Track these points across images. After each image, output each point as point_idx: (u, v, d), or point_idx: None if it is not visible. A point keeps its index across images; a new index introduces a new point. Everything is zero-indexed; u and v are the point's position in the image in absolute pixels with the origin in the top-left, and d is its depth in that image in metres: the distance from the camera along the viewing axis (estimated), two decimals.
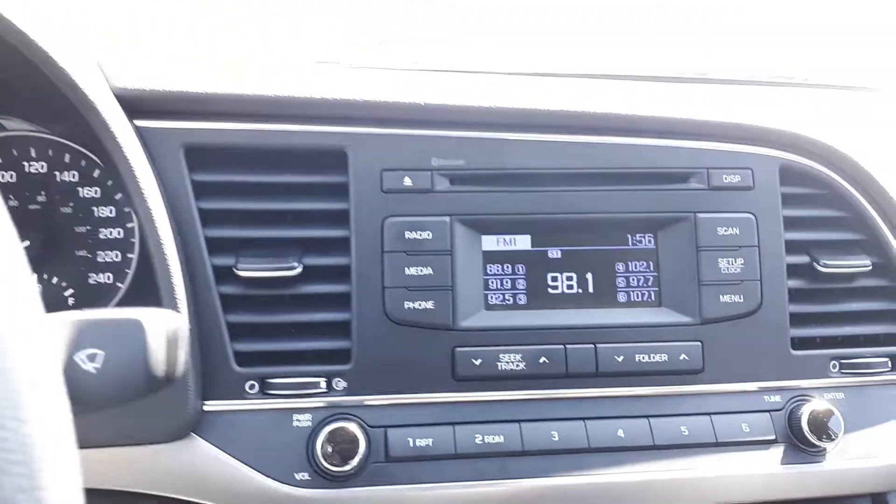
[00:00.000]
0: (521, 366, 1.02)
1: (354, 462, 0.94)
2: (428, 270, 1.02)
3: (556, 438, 1.01)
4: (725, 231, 1.08)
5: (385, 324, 1.01)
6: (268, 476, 0.95)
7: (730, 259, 1.08)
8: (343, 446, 0.95)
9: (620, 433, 1.02)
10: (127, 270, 1.02)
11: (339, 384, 1.00)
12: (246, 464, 0.96)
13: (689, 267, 1.07)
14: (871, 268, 1.12)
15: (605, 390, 1.05)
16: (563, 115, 1.08)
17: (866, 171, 1.13)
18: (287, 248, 1.02)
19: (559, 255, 1.08)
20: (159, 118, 1.00)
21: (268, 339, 1.01)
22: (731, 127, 1.11)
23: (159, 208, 0.93)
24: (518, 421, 1.01)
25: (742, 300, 1.08)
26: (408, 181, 1.03)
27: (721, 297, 1.07)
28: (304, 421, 0.98)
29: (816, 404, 1.04)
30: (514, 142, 1.07)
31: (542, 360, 1.03)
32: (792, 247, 1.11)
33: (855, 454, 1.06)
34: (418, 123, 1.04)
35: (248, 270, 0.99)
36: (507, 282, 1.06)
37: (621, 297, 1.08)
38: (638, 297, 1.08)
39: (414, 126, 1.04)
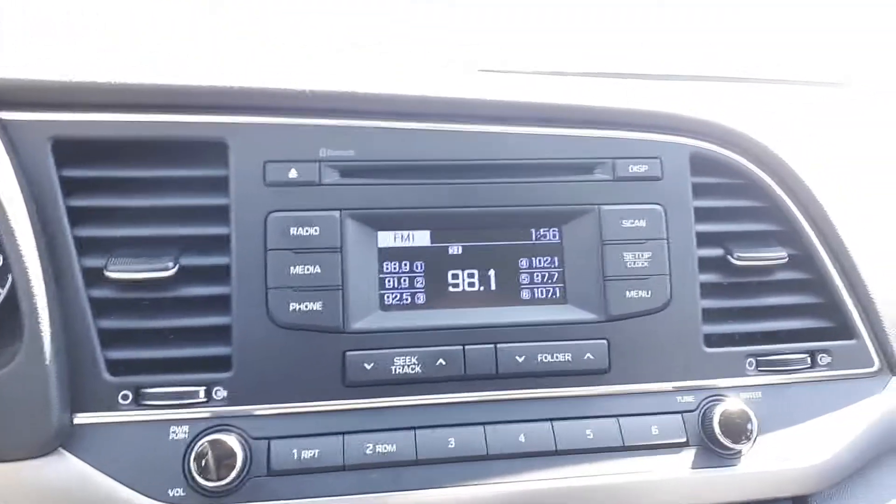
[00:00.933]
0: (417, 369, 0.97)
1: (231, 476, 0.87)
2: (315, 269, 0.96)
3: (453, 446, 0.95)
4: (631, 224, 1.03)
5: (269, 327, 0.94)
6: (140, 493, 0.88)
7: (636, 253, 1.03)
8: (220, 460, 0.88)
9: (522, 438, 0.96)
10: None
11: (220, 393, 0.94)
12: (117, 480, 0.89)
13: (594, 262, 1.02)
14: (787, 260, 1.08)
15: (505, 393, 0.99)
16: (462, 104, 1.03)
17: (782, 160, 1.09)
18: (165, 248, 0.95)
19: (460, 251, 1.02)
20: (25, 109, 0.94)
21: (143, 347, 0.94)
22: (637, 114, 1.06)
23: (21, 218, 0.86)
24: (413, 428, 0.96)
25: (650, 295, 1.03)
26: (293, 173, 0.97)
27: (627, 292, 1.02)
28: (180, 433, 0.91)
29: (729, 404, 0.99)
30: (409, 131, 1.01)
31: (440, 362, 0.97)
32: (704, 239, 1.07)
33: (772, 456, 1.01)
34: (304, 112, 0.98)
35: (119, 272, 0.92)
36: (404, 280, 1.00)
37: (525, 295, 1.02)
38: (542, 294, 1.03)
39: (299, 115, 0.98)
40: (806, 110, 1.29)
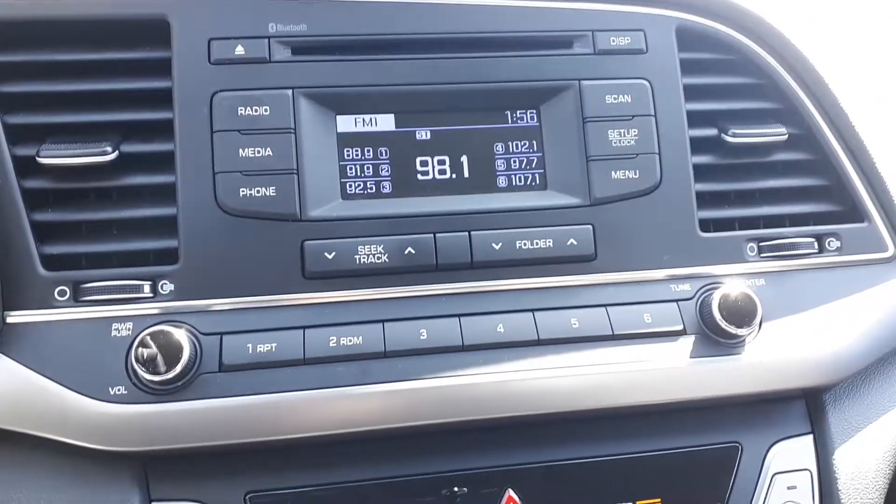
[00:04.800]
0: (384, 259, 0.88)
1: (177, 371, 0.79)
2: (266, 152, 0.88)
3: (425, 337, 0.86)
4: (615, 99, 0.95)
5: (218, 216, 0.86)
6: (78, 392, 0.80)
7: (621, 130, 0.94)
8: (166, 354, 0.80)
9: (500, 328, 0.88)
10: None
11: (166, 287, 0.85)
12: (54, 380, 0.81)
13: (576, 142, 0.94)
14: (786, 138, 0.99)
15: (482, 284, 0.90)
16: None
17: (777, 31, 1.00)
18: (104, 135, 0.87)
19: (428, 137, 0.94)
20: None
21: (82, 240, 0.87)
22: None
23: None
24: (381, 321, 0.87)
25: (637, 176, 0.94)
26: (240, 50, 0.89)
27: (613, 173, 0.93)
28: (123, 330, 0.83)
29: (730, 288, 0.90)
30: (367, 3, 0.93)
31: (409, 251, 0.89)
32: (696, 118, 0.98)
33: (779, 345, 0.91)
34: None
35: (52, 158, 0.85)
36: (368, 168, 0.92)
37: (501, 182, 0.94)
38: (520, 182, 0.94)
39: None
40: None
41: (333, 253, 0.87)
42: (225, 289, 0.86)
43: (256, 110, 0.88)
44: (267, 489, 0.84)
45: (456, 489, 0.87)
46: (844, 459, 0.94)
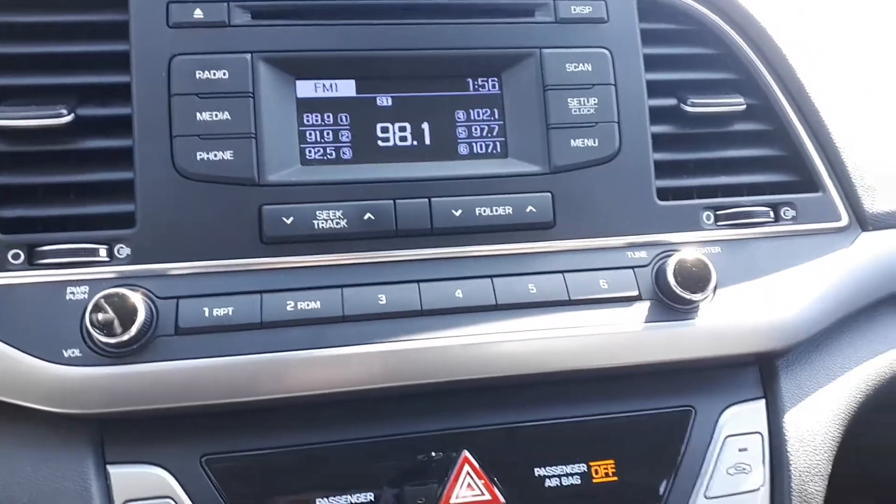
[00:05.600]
0: (343, 224, 0.88)
1: (132, 333, 0.79)
2: (224, 115, 0.87)
3: (384, 302, 0.87)
4: (575, 67, 0.95)
5: (175, 180, 0.86)
6: (30, 355, 0.80)
7: (581, 99, 0.95)
8: (121, 316, 0.79)
9: (459, 294, 0.88)
10: None
11: (123, 251, 0.85)
12: (6, 343, 0.80)
13: (537, 110, 0.94)
14: (744, 108, 1.00)
15: (442, 251, 0.91)
16: None
17: (738, 3, 1.01)
18: (61, 98, 0.86)
19: (389, 103, 0.94)
20: None
21: (37, 204, 0.86)
22: None
23: None
24: (339, 286, 0.87)
25: (597, 144, 0.95)
26: (199, 13, 0.89)
27: (572, 141, 0.94)
28: (79, 294, 0.83)
29: (685, 254, 0.91)
30: None
31: (368, 216, 0.89)
32: (655, 88, 0.99)
33: (733, 310, 0.93)
34: None
35: (7, 120, 0.84)
36: (328, 134, 0.92)
37: (463, 150, 0.94)
38: (481, 149, 0.95)
39: None
40: None
41: (291, 218, 0.87)
42: (182, 253, 0.86)
43: (215, 74, 0.88)
44: (223, 451, 0.84)
45: (412, 451, 0.88)
46: (794, 423, 0.96)
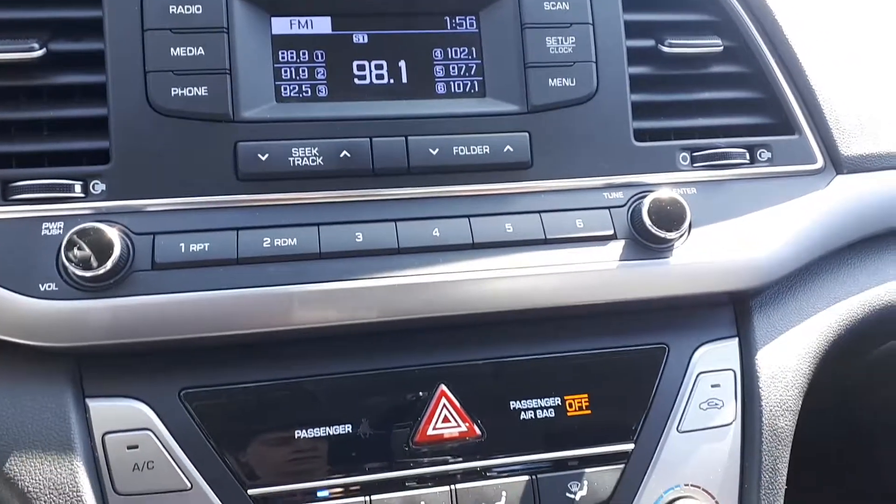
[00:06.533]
0: (319, 161, 0.88)
1: (108, 267, 0.79)
2: (199, 51, 0.86)
3: (361, 240, 0.87)
4: (553, 6, 0.95)
5: (149, 116, 0.85)
6: (6, 288, 0.80)
7: (559, 38, 0.94)
8: (96, 251, 0.79)
9: (436, 232, 0.89)
10: None
11: (98, 187, 0.85)
12: None
13: (514, 50, 0.94)
14: (722, 49, 1.00)
15: (419, 190, 0.91)
16: None
17: None
18: (32, 33, 0.85)
19: (366, 41, 0.93)
20: None
21: (10, 140, 0.85)
22: None
23: None
24: (316, 224, 0.87)
25: (574, 84, 0.94)
26: None
27: (550, 80, 0.94)
28: (54, 229, 0.83)
29: (660, 193, 0.92)
30: None
31: (344, 154, 0.89)
32: (633, 29, 0.98)
33: (707, 249, 0.94)
34: None
35: None
36: (303, 71, 0.91)
37: (440, 88, 0.94)
38: (459, 88, 0.94)
39: None
40: None
41: (267, 154, 0.87)
42: (158, 189, 0.86)
43: (188, 9, 0.87)
44: (201, 385, 0.85)
45: (390, 385, 0.89)
46: (767, 360, 0.97)
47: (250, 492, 0.84)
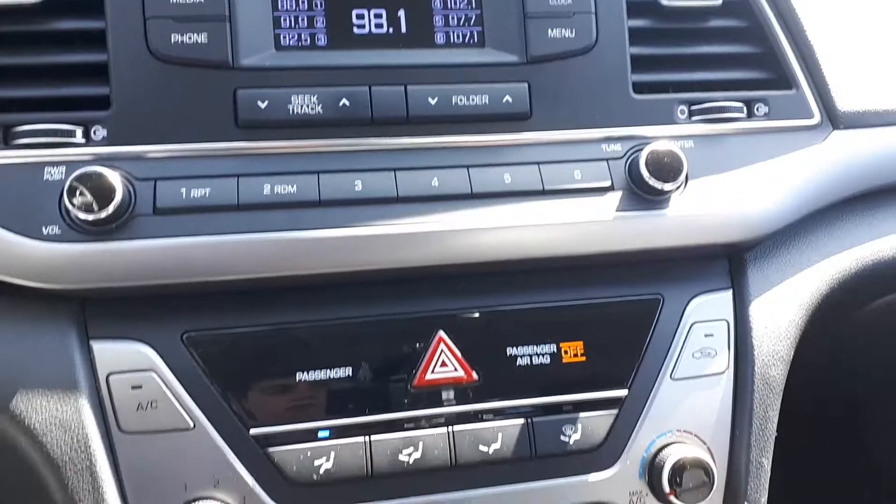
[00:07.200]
0: (318, 109, 0.89)
1: (111, 210, 0.80)
2: None
3: (360, 188, 0.88)
4: None
5: (150, 62, 0.86)
6: (10, 231, 0.81)
7: None
8: (99, 195, 0.80)
9: (434, 182, 0.89)
10: None
11: (99, 133, 0.85)
12: None
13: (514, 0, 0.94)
14: (721, 3, 1.00)
15: (418, 140, 0.92)
16: None
17: None
18: None
19: None
20: None
21: (10, 85, 0.85)
22: None
23: None
24: (316, 172, 0.88)
25: (574, 35, 0.95)
26: None
27: (549, 31, 0.94)
28: (56, 174, 0.83)
29: (657, 145, 0.92)
30: None
31: (343, 102, 0.89)
32: None
33: (703, 201, 0.95)
34: None
35: None
36: (302, 19, 0.91)
37: (440, 38, 0.94)
38: (458, 38, 0.94)
39: None
40: None
41: (266, 102, 0.88)
42: (158, 135, 0.86)
43: None
44: (203, 328, 0.86)
45: (390, 330, 0.91)
46: (760, 311, 0.99)
47: (252, 431, 0.86)
